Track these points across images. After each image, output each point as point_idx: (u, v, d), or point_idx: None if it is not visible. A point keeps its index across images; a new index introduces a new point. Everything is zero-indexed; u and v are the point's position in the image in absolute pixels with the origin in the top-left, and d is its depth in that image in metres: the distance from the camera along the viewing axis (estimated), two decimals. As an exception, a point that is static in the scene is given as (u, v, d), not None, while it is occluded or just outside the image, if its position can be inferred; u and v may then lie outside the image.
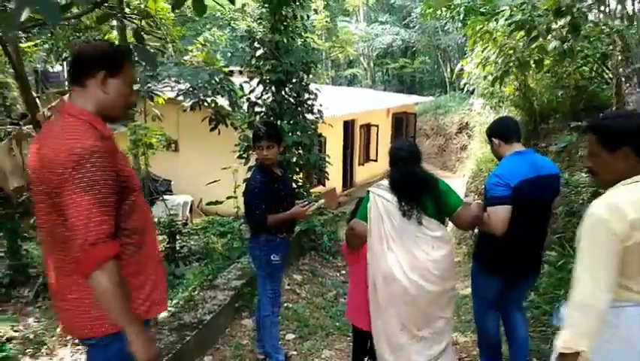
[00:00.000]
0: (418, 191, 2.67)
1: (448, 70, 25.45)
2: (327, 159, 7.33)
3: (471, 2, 12.52)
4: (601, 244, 1.68)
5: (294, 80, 6.62)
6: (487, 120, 14.49)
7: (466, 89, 15.93)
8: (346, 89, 20.91)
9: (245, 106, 6.82)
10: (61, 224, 1.57)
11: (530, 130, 7.57)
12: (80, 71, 1.69)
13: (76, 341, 3.04)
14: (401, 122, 17.92)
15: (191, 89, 6.36)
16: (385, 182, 2.77)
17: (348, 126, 14.24)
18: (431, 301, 2.61)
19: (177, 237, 7.05)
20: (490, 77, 9.58)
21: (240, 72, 7.58)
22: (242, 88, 6.42)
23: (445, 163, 18.96)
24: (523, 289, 3.42)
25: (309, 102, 6.88)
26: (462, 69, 15.44)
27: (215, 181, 6.83)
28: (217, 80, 5.24)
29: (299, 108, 6.81)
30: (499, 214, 2.78)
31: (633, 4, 5.36)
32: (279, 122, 6.45)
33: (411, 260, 2.57)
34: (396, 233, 2.61)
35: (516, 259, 3.00)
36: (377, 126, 15.59)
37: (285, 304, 4.67)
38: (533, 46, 6.84)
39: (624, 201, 1.68)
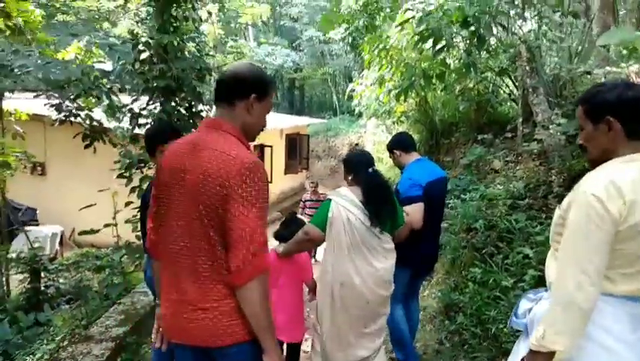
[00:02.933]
0: (388, 207, 2.90)
1: (335, 93, 25.96)
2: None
3: (366, 22, 12.67)
4: (594, 226, 1.47)
5: (185, 89, 5.83)
6: (380, 140, 14.70)
7: (357, 111, 16.13)
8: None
9: (126, 119, 5.90)
10: (214, 232, 1.62)
11: (432, 145, 7.49)
12: (233, 91, 1.78)
13: None
14: (294, 143, 17.58)
15: (58, 100, 5.33)
16: (346, 192, 2.91)
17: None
18: (380, 303, 2.91)
19: (42, 274, 5.84)
20: (385, 96, 9.58)
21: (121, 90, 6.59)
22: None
23: (338, 184, 18.91)
24: (422, 279, 4.13)
25: (204, 114, 6.12)
26: (353, 90, 15.57)
27: (89, 206, 5.77)
28: (91, 78, 4.29)
29: (192, 120, 6.01)
30: (418, 211, 3.24)
31: (537, 21, 5.42)
32: (168, 136, 5.61)
33: (369, 269, 2.80)
34: (357, 244, 2.80)
35: (424, 252, 3.50)
36: (271, 147, 15.06)
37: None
38: (437, 60, 6.81)
39: (623, 180, 1.48)
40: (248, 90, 1.77)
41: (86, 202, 5.59)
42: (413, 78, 6.67)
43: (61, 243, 9.90)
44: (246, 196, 1.58)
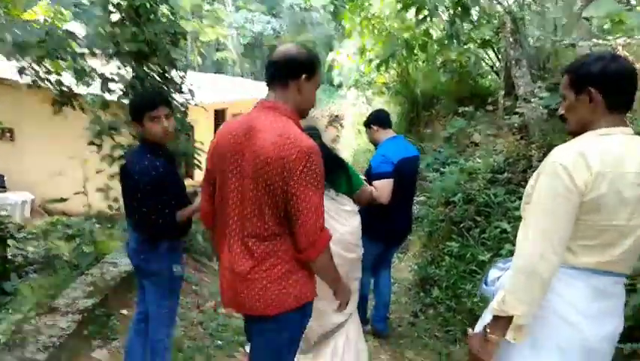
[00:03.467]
0: (333, 169, 2.82)
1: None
2: (192, 148, 6.37)
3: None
4: (560, 196, 1.47)
5: (158, 54, 5.58)
6: (360, 111, 14.57)
7: (338, 81, 15.94)
8: (216, 77, 19.73)
9: (96, 84, 5.64)
10: (269, 209, 1.73)
11: (413, 117, 7.40)
12: (286, 72, 1.82)
13: None
14: (274, 112, 17.31)
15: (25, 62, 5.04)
16: None
17: (219, 116, 13.25)
18: (350, 267, 2.90)
19: (8, 242, 5.63)
20: (366, 66, 9.42)
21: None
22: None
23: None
24: (394, 252, 4.31)
25: (178, 80, 5.88)
26: (334, 60, 15.33)
27: (56, 175, 5.57)
28: (56, 38, 4.02)
29: (165, 87, 5.77)
30: (386, 186, 3.38)
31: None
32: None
33: (334, 235, 2.54)
34: None
35: (395, 226, 3.68)
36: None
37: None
38: (419, 30, 6.67)
39: (592, 151, 1.47)
40: (299, 71, 1.82)
41: (56, 170, 5.37)
42: (395, 48, 6.52)
43: (31, 211, 9.63)
44: (309, 179, 1.68)
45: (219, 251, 1.96)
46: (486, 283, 1.87)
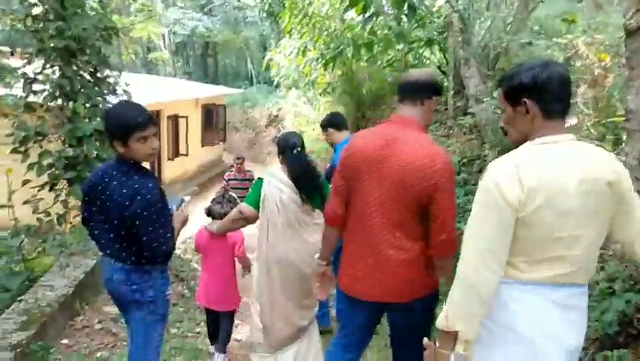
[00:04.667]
0: (315, 186, 2.98)
1: (251, 63, 25.12)
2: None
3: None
4: (492, 212, 1.46)
5: (88, 51, 5.12)
6: (302, 111, 14.38)
7: (275, 81, 15.70)
8: (149, 77, 18.88)
9: (18, 85, 5.10)
10: (407, 211, 2.00)
11: (359, 117, 7.32)
12: (425, 92, 2.12)
13: None
14: (211, 113, 16.76)
15: None
16: (277, 171, 3.01)
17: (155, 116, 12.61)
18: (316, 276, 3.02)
19: None
20: (306, 66, 9.25)
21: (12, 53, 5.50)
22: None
23: (257, 157, 18.38)
24: None
25: (111, 80, 5.44)
26: (271, 59, 15.07)
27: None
28: None
29: (97, 87, 5.32)
30: None
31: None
32: (71, 105, 4.91)
33: (303, 245, 2.92)
34: (290, 221, 2.91)
35: None
36: (186, 118, 14.20)
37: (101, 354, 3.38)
38: (364, 29, 6.57)
39: (525, 164, 1.45)
40: (433, 92, 2.14)
41: None
42: (341, 47, 6.39)
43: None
44: (449, 188, 1.96)
45: (352, 249, 2.18)
46: None
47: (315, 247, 2.83)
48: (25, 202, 5.15)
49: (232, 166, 7.30)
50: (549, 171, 1.43)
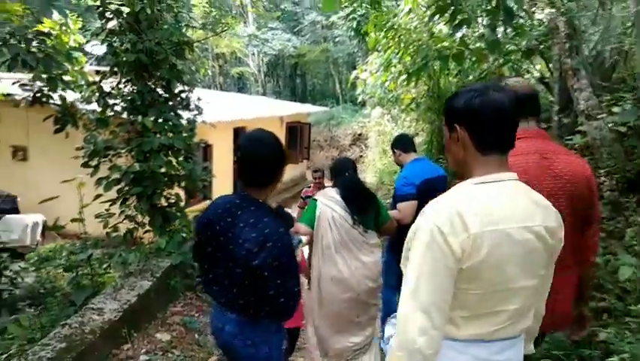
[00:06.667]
0: (367, 205, 3.09)
1: (338, 81, 25.08)
2: (210, 169, 5.74)
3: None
4: (435, 262, 1.30)
5: (161, 65, 4.99)
6: (385, 130, 13.86)
7: (360, 99, 15.36)
8: (236, 95, 19.36)
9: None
10: (579, 227, 1.95)
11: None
12: (538, 110, 2.09)
13: None
14: (295, 131, 16.72)
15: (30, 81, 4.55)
16: (332, 192, 3.14)
17: (239, 134, 12.72)
18: (370, 294, 3.10)
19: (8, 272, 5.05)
20: (391, 83, 8.74)
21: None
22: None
23: (340, 176, 18.10)
24: None
25: (184, 95, 5.29)
26: (357, 77, 14.72)
27: (51, 198, 4.98)
28: (24, 39, 3.39)
29: (169, 102, 5.19)
30: (408, 208, 3.45)
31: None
32: (140, 119, 4.78)
33: (356, 263, 3.01)
34: (343, 240, 3.02)
35: None
36: (270, 135, 14.23)
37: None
38: (453, 39, 5.98)
39: (468, 207, 1.31)
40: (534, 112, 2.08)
41: (69, 190, 4.80)
42: (427, 59, 5.82)
43: (43, 233, 9.15)
44: (597, 191, 2.01)
45: None
46: (384, 341, 1.74)
47: (368, 267, 3.03)
48: (96, 216, 5.11)
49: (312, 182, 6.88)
50: (491, 215, 1.31)
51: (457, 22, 4.92)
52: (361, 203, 3.06)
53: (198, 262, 2.13)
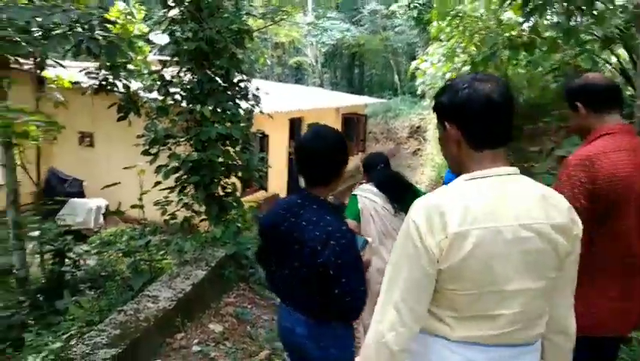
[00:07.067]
0: (404, 191, 3.10)
1: (397, 73, 24.59)
2: (266, 159, 5.71)
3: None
4: (409, 259, 1.28)
5: (221, 54, 4.98)
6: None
7: (420, 90, 14.95)
8: (293, 86, 19.40)
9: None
10: None
11: (513, 131, 6.30)
12: (619, 101, 1.98)
13: None
14: (351, 123, 16.55)
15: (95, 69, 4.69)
16: (368, 186, 3.19)
17: (295, 125, 12.70)
18: None
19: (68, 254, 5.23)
20: (453, 74, 8.38)
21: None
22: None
23: (396, 169, 17.79)
24: None
25: (242, 84, 5.26)
26: (417, 68, 14.33)
27: (114, 184, 5.12)
28: (89, 25, 3.41)
29: (228, 92, 5.17)
30: None
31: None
32: (198, 108, 4.78)
33: None
34: (386, 230, 3.05)
35: None
36: (326, 127, 14.15)
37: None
38: (522, 27, 5.64)
39: (451, 207, 1.25)
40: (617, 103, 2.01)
41: (132, 176, 4.93)
42: (494, 48, 5.51)
43: (105, 217, 9.51)
44: None
45: (597, 279, 1.88)
46: None
47: None
48: (155, 203, 5.19)
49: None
50: (480, 212, 1.23)
51: (530, 7, 4.60)
52: (399, 192, 3.10)
53: (264, 264, 2.12)
